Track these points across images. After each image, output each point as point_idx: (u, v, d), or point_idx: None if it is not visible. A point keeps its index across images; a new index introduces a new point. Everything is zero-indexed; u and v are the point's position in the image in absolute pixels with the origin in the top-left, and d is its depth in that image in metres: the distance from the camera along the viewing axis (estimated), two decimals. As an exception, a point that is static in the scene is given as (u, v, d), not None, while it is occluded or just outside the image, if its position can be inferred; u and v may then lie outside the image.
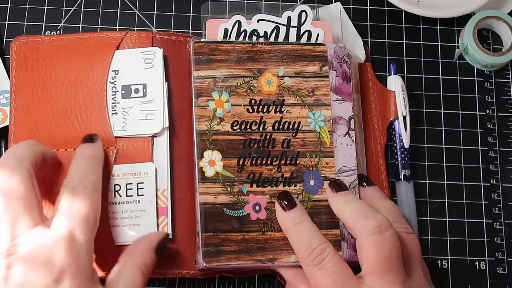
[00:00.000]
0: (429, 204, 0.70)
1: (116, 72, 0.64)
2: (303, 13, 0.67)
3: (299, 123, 0.63)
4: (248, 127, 0.63)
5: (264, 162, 0.62)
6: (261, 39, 0.66)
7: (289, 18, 0.67)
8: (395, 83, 0.69)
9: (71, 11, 0.72)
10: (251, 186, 0.62)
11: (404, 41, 0.74)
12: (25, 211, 0.52)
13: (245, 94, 0.63)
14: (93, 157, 0.59)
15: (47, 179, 0.60)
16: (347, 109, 0.65)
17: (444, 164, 0.71)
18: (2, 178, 0.53)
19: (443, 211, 0.69)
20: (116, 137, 0.62)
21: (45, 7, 0.72)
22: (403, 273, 0.56)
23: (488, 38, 0.75)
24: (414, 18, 0.75)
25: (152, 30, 0.72)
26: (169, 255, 0.61)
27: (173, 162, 0.63)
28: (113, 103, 0.63)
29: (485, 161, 0.71)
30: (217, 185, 0.61)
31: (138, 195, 0.61)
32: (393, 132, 0.69)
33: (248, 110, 0.63)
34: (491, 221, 0.69)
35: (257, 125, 0.63)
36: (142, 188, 0.61)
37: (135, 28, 0.72)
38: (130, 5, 0.73)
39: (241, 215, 0.61)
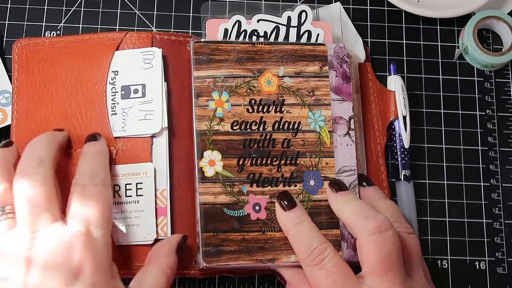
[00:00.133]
0: (429, 204, 0.70)
1: (116, 73, 0.64)
2: (303, 13, 0.67)
3: (299, 123, 0.63)
4: (248, 127, 0.63)
5: (264, 162, 0.62)
6: (261, 39, 0.66)
7: (289, 18, 0.67)
8: (395, 83, 0.69)
9: (71, 11, 0.72)
10: (251, 186, 0.62)
11: (404, 41, 0.74)
12: (45, 208, 0.53)
13: (245, 94, 0.63)
14: (99, 154, 0.60)
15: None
16: (347, 109, 0.65)
17: (444, 164, 0.71)
18: (25, 178, 0.54)
19: (443, 211, 0.69)
20: (115, 137, 0.62)
21: (45, 7, 0.72)
22: (403, 273, 0.56)
23: (488, 38, 0.75)
24: (414, 18, 0.75)
25: (152, 30, 0.72)
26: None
27: (172, 162, 0.63)
28: (112, 103, 0.63)
29: (485, 161, 0.71)
30: (217, 185, 0.61)
31: (137, 195, 0.61)
32: (393, 132, 0.69)
33: (248, 110, 0.63)
34: (491, 221, 0.69)
35: (257, 125, 0.63)
36: (141, 189, 0.61)
37: (135, 28, 0.72)
38: (130, 5, 0.73)
39: (241, 215, 0.61)
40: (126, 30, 0.68)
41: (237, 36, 0.66)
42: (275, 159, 0.63)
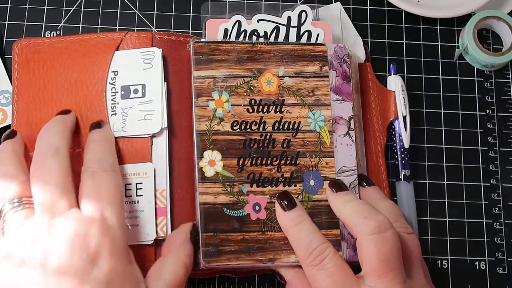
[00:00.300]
0: (429, 204, 0.70)
1: (116, 73, 0.64)
2: (303, 13, 0.67)
3: (299, 123, 0.63)
4: (248, 127, 0.63)
5: (264, 162, 0.62)
6: (261, 39, 0.66)
7: (289, 18, 0.67)
8: (395, 83, 0.69)
9: (71, 11, 0.72)
10: (251, 186, 0.62)
11: (404, 41, 0.74)
12: (62, 196, 0.54)
13: (245, 94, 0.63)
14: (105, 141, 0.60)
15: None
16: (347, 109, 0.65)
17: (444, 164, 0.71)
18: (42, 168, 0.55)
19: (443, 211, 0.69)
20: (115, 137, 0.62)
21: (45, 7, 0.72)
22: (403, 273, 0.56)
23: (488, 38, 0.75)
24: (414, 18, 0.75)
25: (152, 30, 0.72)
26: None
27: (172, 162, 0.63)
28: (112, 103, 0.63)
29: (485, 161, 0.71)
30: (217, 185, 0.61)
31: (137, 195, 0.61)
32: (393, 132, 0.69)
33: (248, 110, 0.63)
34: (491, 221, 0.69)
35: (257, 125, 0.63)
36: (141, 189, 0.61)
37: (135, 28, 0.72)
38: (130, 5, 0.73)
39: (241, 215, 0.61)
40: (126, 30, 0.68)
41: (237, 36, 0.66)
42: (275, 159, 0.63)
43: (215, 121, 0.62)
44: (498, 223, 0.69)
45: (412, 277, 0.57)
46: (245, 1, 0.73)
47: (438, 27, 0.75)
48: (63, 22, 0.72)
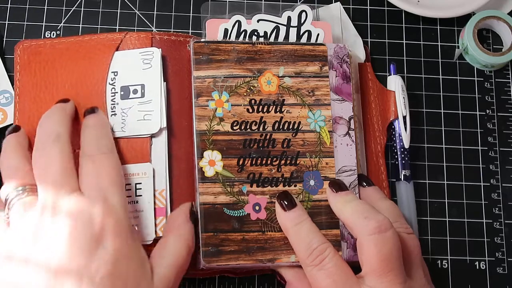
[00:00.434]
0: (429, 204, 0.70)
1: (116, 74, 0.64)
2: (303, 13, 0.67)
3: (299, 123, 0.63)
4: (248, 127, 0.63)
5: (264, 162, 0.62)
6: (261, 39, 0.66)
7: (289, 18, 0.67)
8: (395, 83, 0.69)
9: (71, 11, 0.72)
10: (251, 186, 0.62)
11: (404, 41, 0.74)
12: (64, 181, 0.54)
13: (245, 94, 0.63)
14: (100, 124, 0.61)
15: None
16: (347, 109, 0.65)
17: (444, 164, 0.71)
18: (44, 155, 0.56)
19: (443, 211, 0.69)
20: (115, 138, 0.62)
21: (45, 7, 0.72)
22: (403, 273, 0.56)
23: (488, 38, 0.75)
24: (414, 18, 0.75)
25: (152, 30, 0.72)
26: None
27: (172, 162, 0.63)
28: (112, 104, 0.63)
29: (485, 161, 0.71)
30: (217, 185, 0.61)
31: (136, 195, 0.61)
32: (393, 132, 0.69)
33: (248, 110, 0.63)
34: (491, 221, 0.69)
35: (257, 125, 0.63)
36: (140, 189, 0.61)
37: (135, 28, 0.72)
38: (130, 5, 0.73)
39: (241, 215, 0.61)
40: (126, 30, 0.68)
41: (237, 36, 0.66)
42: (275, 159, 0.63)
43: (215, 121, 0.62)
44: (498, 223, 0.69)
45: (412, 277, 0.57)
46: (245, 1, 0.73)
47: (438, 27, 0.75)
48: (63, 22, 0.72)
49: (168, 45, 0.66)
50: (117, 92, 0.63)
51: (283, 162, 0.63)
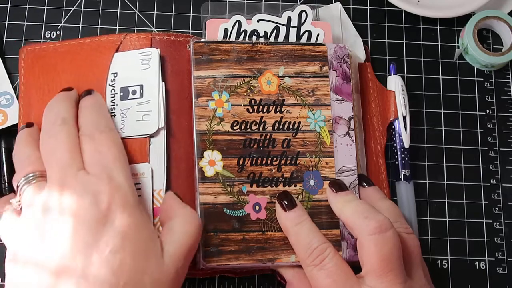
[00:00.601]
0: (429, 204, 0.70)
1: (115, 75, 0.64)
2: (303, 13, 0.67)
3: (299, 123, 0.63)
4: (248, 127, 0.63)
5: (264, 162, 0.62)
6: (261, 39, 0.66)
7: (289, 18, 0.67)
8: (395, 83, 0.69)
9: (71, 11, 0.72)
10: (251, 186, 0.62)
11: (404, 41, 0.74)
12: (71, 162, 0.55)
13: (245, 94, 0.63)
14: (96, 105, 0.61)
15: None
16: (347, 109, 0.65)
17: (444, 164, 0.71)
18: (51, 138, 0.57)
19: (443, 211, 0.69)
20: None
21: (45, 7, 0.72)
22: (403, 273, 0.56)
23: (488, 38, 0.75)
24: (414, 18, 0.75)
25: (152, 30, 0.72)
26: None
27: (172, 162, 0.63)
28: (112, 105, 0.63)
29: (485, 161, 0.71)
30: (217, 185, 0.61)
31: (135, 196, 0.61)
32: (393, 132, 0.69)
33: (248, 110, 0.63)
34: (491, 221, 0.69)
35: (257, 125, 0.63)
36: (139, 189, 0.61)
37: (135, 28, 0.72)
38: (130, 5, 0.73)
39: (241, 215, 0.61)
40: (126, 30, 0.69)
41: (237, 36, 0.66)
42: (275, 159, 0.63)
43: (215, 121, 0.62)
44: (498, 223, 0.69)
45: (412, 277, 0.57)
46: (245, 1, 0.73)
47: (438, 27, 0.75)
48: (63, 22, 0.72)
49: (168, 45, 0.66)
50: (116, 93, 0.63)
51: (283, 162, 0.63)
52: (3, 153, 0.66)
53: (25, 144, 0.60)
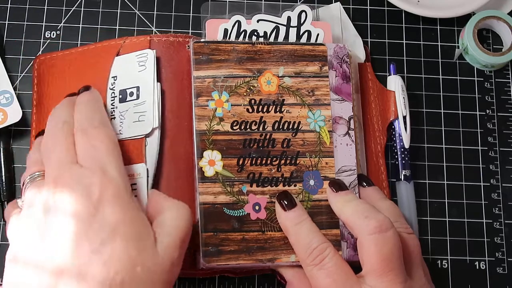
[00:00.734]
0: (429, 204, 0.70)
1: (115, 78, 0.64)
2: (303, 13, 0.67)
3: (299, 123, 0.63)
4: (248, 127, 0.63)
5: (264, 162, 0.62)
6: (261, 39, 0.66)
7: (288, 18, 0.67)
8: (395, 83, 0.69)
9: (71, 11, 0.72)
10: (251, 186, 0.62)
11: (404, 41, 0.74)
12: (66, 156, 0.55)
13: (245, 94, 0.63)
14: (92, 100, 0.61)
15: None
16: (347, 109, 0.65)
17: (444, 164, 0.71)
18: (51, 138, 0.57)
19: (443, 211, 0.69)
20: None
21: (45, 7, 0.72)
22: (403, 273, 0.56)
23: (488, 38, 0.75)
24: (414, 18, 0.75)
25: (152, 30, 0.72)
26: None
27: (172, 162, 0.63)
28: (112, 108, 0.63)
29: (485, 161, 0.71)
30: (217, 185, 0.61)
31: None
32: (393, 132, 0.69)
33: (248, 110, 0.63)
34: (491, 221, 0.69)
35: (257, 125, 0.63)
36: (135, 190, 0.61)
37: (135, 28, 0.72)
38: (130, 5, 0.73)
39: (241, 215, 0.61)
40: (126, 30, 0.69)
41: (237, 36, 0.66)
42: (275, 159, 0.63)
43: (215, 121, 0.62)
44: (498, 223, 0.69)
45: (412, 277, 0.57)
46: (245, 1, 0.73)
47: (438, 27, 0.75)
48: (63, 22, 0.72)
49: (167, 47, 0.66)
50: (116, 96, 0.64)
51: (283, 162, 0.63)
52: (2, 153, 0.66)
53: (34, 147, 0.61)
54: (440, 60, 0.74)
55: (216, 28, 0.65)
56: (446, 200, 0.70)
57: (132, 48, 0.65)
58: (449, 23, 0.75)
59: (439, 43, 0.74)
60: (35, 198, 0.54)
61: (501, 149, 0.72)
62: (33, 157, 0.59)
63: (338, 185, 0.62)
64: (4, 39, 0.71)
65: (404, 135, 0.68)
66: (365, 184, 0.64)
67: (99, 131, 0.57)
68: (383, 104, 0.69)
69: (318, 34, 0.67)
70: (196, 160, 0.61)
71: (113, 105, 0.63)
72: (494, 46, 0.75)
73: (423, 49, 0.74)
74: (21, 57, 0.70)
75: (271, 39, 0.66)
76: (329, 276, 0.56)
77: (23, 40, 0.71)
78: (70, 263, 0.50)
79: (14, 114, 0.66)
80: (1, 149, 0.67)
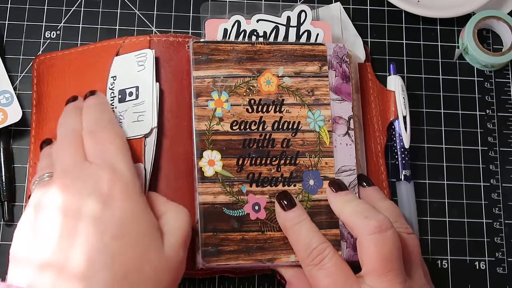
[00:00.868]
0: (429, 204, 0.70)
1: (114, 78, 0.65)
2: (303, 13, 0.67)
3: (299, 123, 0.63)
4: (247, 127, 0.63)
5: (263, 162, 0.62)
6: (261, 39, 0.66)
7: (288, 18, 0.67)
8: (395, 83, 0.69)
9: (71, 11, 0.72)
10: (251, 186, 0.62)
11: (404, 41, 0.74)
12: (75, 154, 0.56)
13: (244, 94, 0.63)
14: (99, 104, 0.62)
15: None
16: (347, 108, 0.65)
17: (444, 164, 0.71)
18: (62, 145, 0.58)
19: (443, 211, 0.69)
20: None
21: (45, 7, 0.72)
22: (403, 273, 0.56)
23: (488, 38, 0.75)
24: (414, 18, 0.75)
25: (152, 30, 0.72)
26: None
27: (171, 162, 0.63)
28: (111, 108, 0.63)
29: (485, 161, 0.71)
30: (216, 185, 0.61)
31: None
32: (393, 132, 0.69)
33: (247, 110, 0.63)
34: (491, 221, 0.69)
35: (256, 125, 0.63)
36: None
37: (135, 28, 0.72)
38: (130, 5, 0.73)
39: (240, 215, 0.61)
40: (126, 30, 0.69)
41: (237, 36, 0.66)
42: (274, 159, 0.63)
43: (214, 121, 0.62)
44: (498, 223, 0.69)
45: (412, 277, 0.57)
46: (245, 1, 0.73)
47: (438, 27, 0.75)
48: (63, 22, 0.72)
49: (166, 47, 0.66)
50: (115, 96, 0.64)
51: (282, 162, 0.63)
52: (2, 153, 0.66)
53: (44, 154, 0.61)
54: (440, 60, 0.74)
55: (215, 28, 0.65)
56: (446, 200, 0.70)
57: (131, 48, 0.65)
58: (449, 23, 0.75)
59: (439, 43, 0.74)
60: (43, 196, 0.54)
61: (501, 149, 0.72)
62: (42, 163, 0.60)
63: (337, 185, 0.62)
64: (4, 39, 0.71)
65: (404, 135, 0.68)
66: (365, 184, 0.64)
67: (108, 130, 0.58)
68: (383, 104, 0.69)
69: (317, 34, 0.67)
70: (196, 160, 0.61)
71: (113, 105, 0.63)
72: (494, 46, 0.75)
73: (423, 49, 0.74)
74: (21, 57, 0.70)
75: (271, 39, 0.66)
76: (329, 276, 0.56)
77: (23, 40, 0.71)
78: (78, 258, 0.50)
79: (14, 114, 0.66)
80: (1, 149, 0.67)
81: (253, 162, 0.62)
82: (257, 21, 0.66)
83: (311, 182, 0.63)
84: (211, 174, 0.61)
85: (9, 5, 0.72)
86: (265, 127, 0.63)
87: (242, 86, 0.63)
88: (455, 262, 0.68)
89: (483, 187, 0.70)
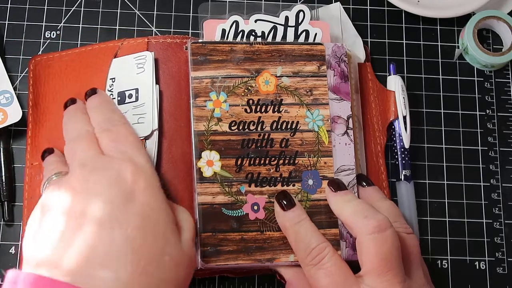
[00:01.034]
0: (429, 204, 0.70)
1: (113, 80, 0.65)
2: (301, 13, 0.67)
3: (297, 122, 0.63)
4: (246, 127, 0.63)
5: (262, 162, 0.62)
6: (259, 39, 0.66)
7: (286, 18, 0.67)
8: (395, 83, 0.69)
9: (71, 11, 0.72)
10: (250, 186, 0.62)
11: (404, 41, 0.74)
12: (91, 148, 0.57)
13: (243, 94, 0.63)
14: (104, 102, 0.62)
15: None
16: (346, 108, 0.65)
17: (444, 164, 0.71)
18: (73, 143, 0.59)
19: (443, 211, 0.69)
20: None
21: (45, 7, 0.72)
22: (402, 273, 0.56)
23: (488, 38, 0.75)
24: (414, 18, 0.75)
25: (152, 30, 0.72)
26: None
27: (170, 163, 0.63)
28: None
29: (485, 161, 0.71)
30: (215, 185, 0.61)
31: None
32: (393, 132, 0.69)
33: (246, 110, 0.63)
34: (491, 221, 0.69)
35: (255, 125, 0.63)
36: None
37: (135, 28, 0.72)
38: (130, 5, 0.73)
39: (239, 215, 0.61)
40: (126, 30, 0.69)
41: (235, 36, 0.66)
42: (273, 159, 0.62)
43: (213, 121, 0.62)
44: (498, 223, 0.69)
45: (411, 277, 0.57)
46: (245, 1, 0.73)
47: (438, 27, 0.75)
48: (63, 22, 0.72)
49: (164, 48, 0.66)
50: (114, 98, 0.64)
51: (281, 161, 0.63)
52: (2, 153, 0.67)
53: (48, 163, 0.62)
54: (440, 60, 0.74)
55: (213, 29, 0.65)
56: (446, 200, 0.70)
57: (130, 50, 0.66)
58: (449, 23, 0.75)
59: (439, 43, 0.74)
60: (52, 193, 0.54)
61: (501, 149, 0.71)
62: (50, 168, 0.60)
63: (337, 185, 0.62)
64: (4, 39, 0.71)
65: (404, 135, 0.68)
66: (364, 184, 0.64)
67: (121, 128, 0.59)
68: (383, 104, 0.69)
69: (316, 34, 0.67)
70: (195, 160, 0.61)
71: (113, 106, 0.64)
72: (494, 46, 0.75)
73: (423, 49, 0.74)
74: (21, 57, 0.70)
75: (269, 39, 0.66)
76: (328, 276, 0.56)
77: (23, 40, 0.71)
78: (101, 249, 0.50)
79: (14, 114, 0.66)
80: (1, 149, 0.67)
81: (251, 162, 0.62)
82: (255, 21, 0.66)
83: (310, 182, 0.63)
84: (210, 174, 0.61)
85: (9, 5, 0.72)
86: (263, 127, 0.63)
87: (241, 86, 0.63)
88: (455, 262, 0.68)
89: (483, 187, 0.70)
